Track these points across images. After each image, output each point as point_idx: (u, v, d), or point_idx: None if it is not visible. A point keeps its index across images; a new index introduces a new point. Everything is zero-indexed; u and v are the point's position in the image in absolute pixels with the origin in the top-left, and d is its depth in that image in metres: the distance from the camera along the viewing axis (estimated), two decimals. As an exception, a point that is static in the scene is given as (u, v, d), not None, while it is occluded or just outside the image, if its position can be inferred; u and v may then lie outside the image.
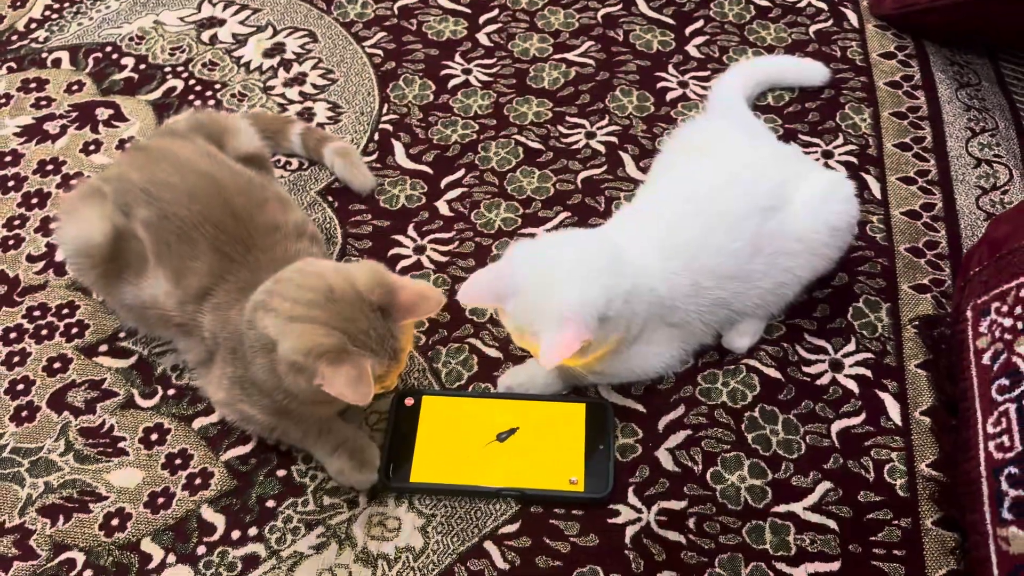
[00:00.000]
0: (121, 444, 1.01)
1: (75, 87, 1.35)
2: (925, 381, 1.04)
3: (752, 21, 1.44)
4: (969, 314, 0.93)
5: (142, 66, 1.37)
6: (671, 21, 1.44)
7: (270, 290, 0.90)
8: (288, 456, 1.00)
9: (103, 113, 1.31)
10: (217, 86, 1.35)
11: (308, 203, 1.21)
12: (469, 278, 0.94)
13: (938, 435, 0.98)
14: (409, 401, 1.02)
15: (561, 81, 1.36)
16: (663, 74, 1.36)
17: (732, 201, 0.99)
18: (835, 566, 0.92)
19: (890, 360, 1.06)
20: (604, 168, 1.25)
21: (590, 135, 1.29)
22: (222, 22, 1.43)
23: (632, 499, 0.96)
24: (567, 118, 1.31)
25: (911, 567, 0.91)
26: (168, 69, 1.37)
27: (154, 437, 1.02)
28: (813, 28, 1.43)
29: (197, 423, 1.03)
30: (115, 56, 1.39)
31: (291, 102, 1.33)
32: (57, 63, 1.38)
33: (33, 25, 1.44)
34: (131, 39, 1.41)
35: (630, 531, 0.94)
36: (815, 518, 0.95)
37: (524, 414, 1.01)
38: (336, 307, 0.86)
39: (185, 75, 1.36)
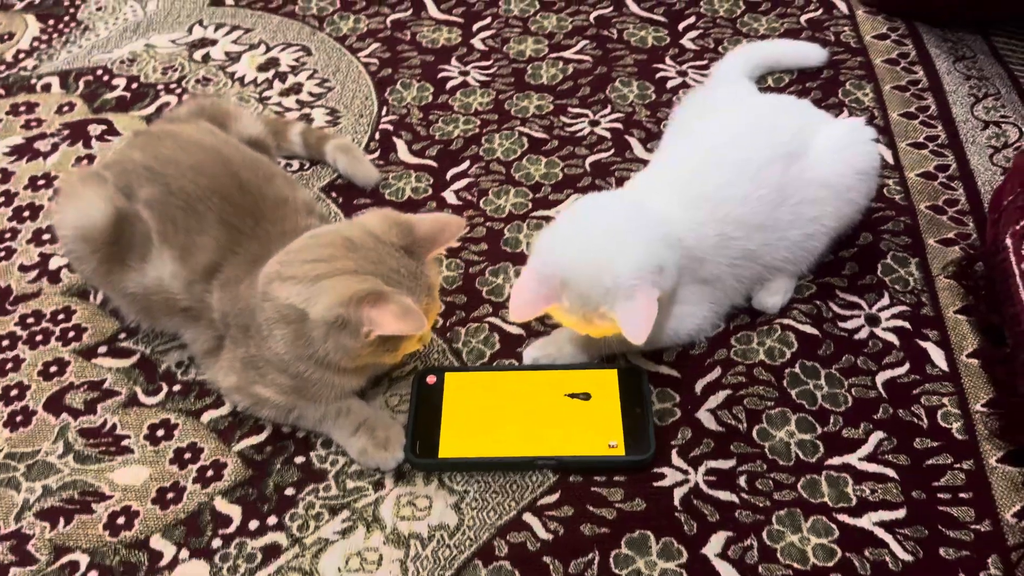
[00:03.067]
0: (125, 442, 0.94)
1: (66, 108, 1.32)
2: (967, 326, 1.00)
3: (743, 15, 1.45)
4: (1009, 241, 0.90)
5: (134, 85, 1.35)
6: (663, 19, 1.45)
7: (284, 260, 0.85)
8: (306, 442, 0.93)
9: (96, 129, 1.28)
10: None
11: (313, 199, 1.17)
12: (511, 296, 0.89)
13: (989, 370, 0.93)
14: (431, 379, 0.96)
15: (560, 77, 1.35)
16: (661, 65, 1.36)
17: (753, 148, 0.96)
18: (900, 513, 0.85)
19: (927, 311, 1.02)
20: (612, 152, 1.23)
21: (594, 123, 1.27)
22: (214, 42, 1.42)
23: (677, 461, 0.90)
24: (569, 109, 1.30)
25: (981, 508, 0.85)
26: (161, 87, 1.35)
27: (160, 433, 0.95)
28: (804, 17, 1.44)
29: (206, 416, 0.96)
30: (106, 78, 1.36)
31: (288, 110, 1.30)
32: (47, 88, 1.35)
33: (21, 55, 1.42)
34: (122, 62, 1.39)
35: (678, 493, 0.88)
36: (872, 468, 0.89)
37: (554, 383, 0.95)
38: (360, 254, 0.82)
39: (179, 91, 1.34)
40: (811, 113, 1.04)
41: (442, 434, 0.91)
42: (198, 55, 1.40)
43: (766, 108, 1.03)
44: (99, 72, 1.37)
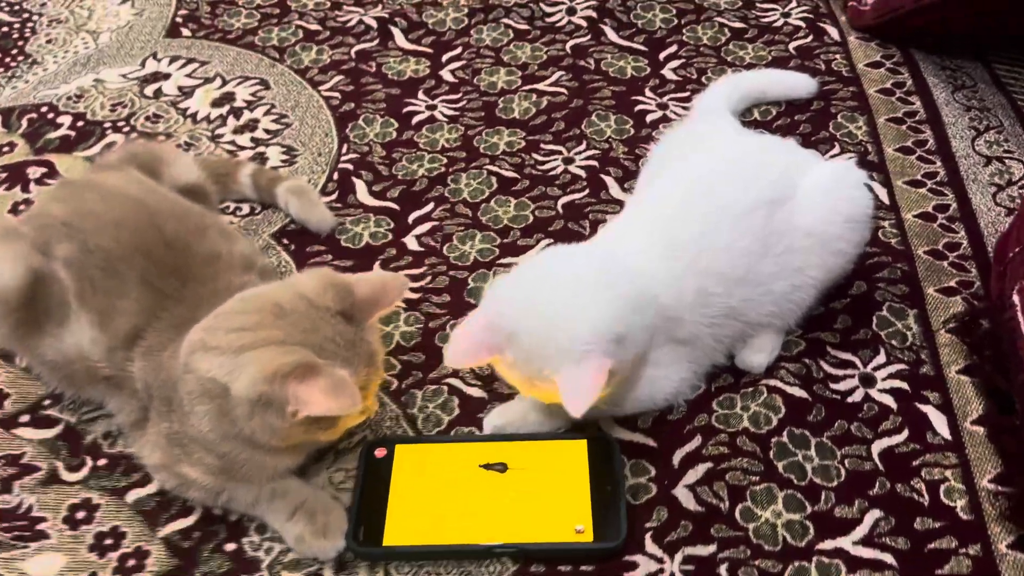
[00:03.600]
0: (41, 526, 0.85)
1: (6, 148, 1.23)
2: (971, 388, 0.91)
3: (728, 43, 1.37)
4: (1016, 298, 0.81)
5: (80, 123, 1.27)
6: (643, 48, 1.36)
7: (208, 327, 0.77)
8: (239, 526, 0.84)
9: (35, 172, 1.20)
10: (161, 138, 1.24)
11: (261, 247, 1.08)
12: (451, 337, 0.82)
13: (997, 440, 0.84)
14: (380, 452, 0.87)
15: (532, 111, 1.27)
16: (640, 97, 1.28)
17: (735, 194, 0.88)
18: (900, 608, 0.76)
19: (927, 369, 0.93)
20: (586, 192, 1.14)
21: (568, 160, 1.19)
22: (167, 76, 1.34)
23: (651, 547, 0.81)
24: (542, 145, 1.21)
25: (991, 602, 0.76)
26: (108, 125, 1.27)
27: (80, 515, 0.86)
28: (793, 45, 1.36)
29: (132, 495, 0.87)
30: (51, 115, 1.28)
31: (241, 148, 1.22)
32: (-12, 127, 1.27)
33: (-36, 92, 1.34)
34: (69, 98, 1.31)
35: (652, 585, 0.79)
36: (868, 553, 0.80)
37: (516, 455, 0.86)
38: (290, 320, 0.73)
39: (127, 129, 1.26)
40: (798, 153, 0.96)
41: (388, 518, 0.82)
42: (149, 90, 1.32)
43: (749, 148, 0.94)
44: (44, 109, 1.29)
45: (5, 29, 1.45)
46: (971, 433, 0.87)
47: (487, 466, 0.85)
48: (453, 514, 0.82)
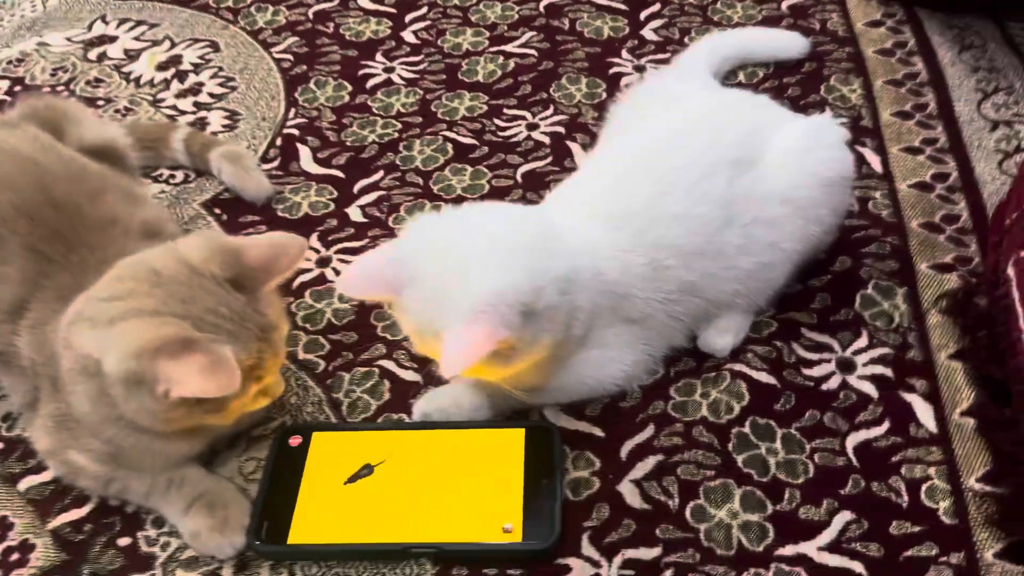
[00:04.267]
0: (-77, 516, 0.78)
1: (-61, 114, 1.16)
2: (962, 374, 0.80)
3: (715, 1, 1.26)
4: (1012, 272, 0.70)
5: (17, 88, 1.19)
6: (623, 7, 1.26)
7: (87, 297, 0.69)
8: (135, 520, 0.76)
9: (-36, 137, 1.12)
10: (100, 102, 1.16)
11: (191, 216, 1.00)
12: (352, 263, 0.73)
13: (988, 434, 0.74)
14: (295, 440, 0.79)
15: (498, 73, 1.17)
16: (616, 59, 1.18)
17: (691, 154, 0.78)
18: (868, 625, 0.67)
19: (914, 354, 0.83)
20: (549, 160, 1.05)
21: (532, 127, 1.09)
22: (113, 39, 1.26)
23: (588, 549, 0.72)
24: (505, 111, 1.12)
25: (973, 619, 0.66)
26: (47, 89, 1.19)
27: (-32, 504, 0.78)
28: (786, 3, 1.25)
29: (25, 483, 0.79)
30: (-13, 77, 1.21)
31: (183, 113, 1.14)
32: (-78, 91, 1.20)
33: (-99, 55, 1.27)
34: (10, 63, 1.24)
35: (585, 592, 0.70)
36: (834, 560, 0.70)
37: (445, 446, 0.77)
38: (167, 289, 0.65)
39: (65, 94, 1.18)
40: (770, 111, 0.86)
41: (296, 513, 0.74)
42: (93, 54, 1.24)
43: (712, 104, 0.85)
44: (-17, 73, 1.22)
45: (-47, -8, 1.38)
46: (959, 425, 0.77)
47: (353, 478, 0.76)
48: (368, 510, 0.74)
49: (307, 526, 0.73)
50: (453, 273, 0.69)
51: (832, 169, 0.80)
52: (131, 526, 0.76)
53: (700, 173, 0.77)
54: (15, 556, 0.74)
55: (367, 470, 0.75)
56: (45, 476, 0.79)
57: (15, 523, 0.77)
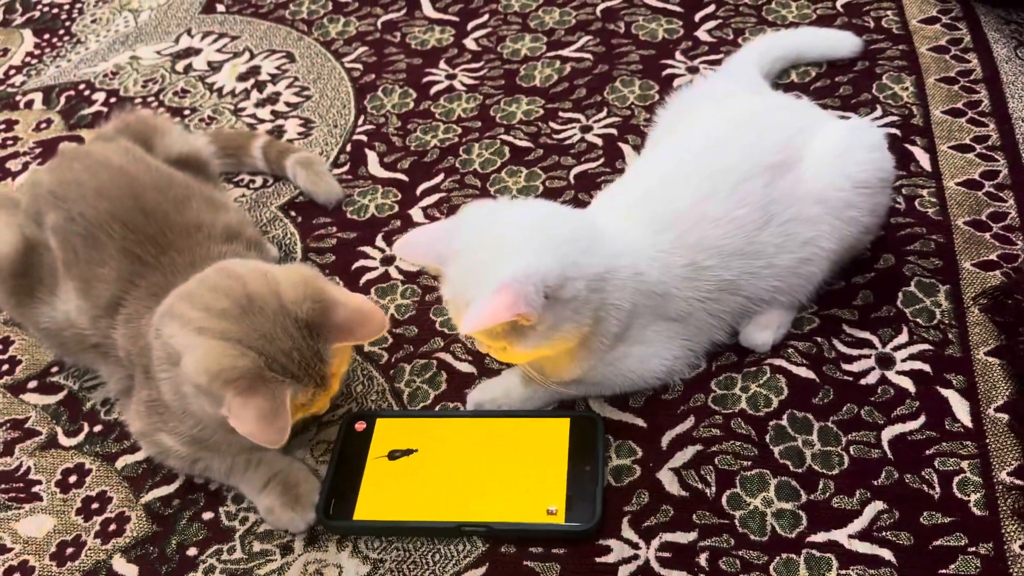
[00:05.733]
0: (36, 488, 0.87)
1: (43, 125, 1.28)
2: (999, 371, 0.82)
3: (770, 0, 1.28)
4: (1046, 271, 0.72)
5: (112, 100, 1.30)
6: (678, 8, 1.29)
7: (181, 294, 0.76)
8: (218, 496, 0.84)
9: (67, 147, 1.23)
10: (187, 112, 1.26)
11: (269, 219, 1.08)
12: (411, 230, 0.79)
13: (1020, 430, 0.76)
14: (360, 426, 0.86)
15: (554, 78, 1.22)
16: (670, 61, 1.21)
17: (732, 158, 0.82)
18: (894, 610, 0.70)
19: (953, 350, 0.85)
20: (601, 161, 1.09)
21: (586, 129, 1.14)
22: (198, 51, 1.36)
23: (627, 531, 0.77)
24: (560, 114, 1.16)
25: (998, 608, 0.69)
26: (139, 100, 1.29)
27: (73, 479, 0.88)
28: (841, 1, 1.26)
29: (121, 461, 0.88)
30: (87, 93, 1.32)
31: (261, 121, 1.22)
32: (30, 104, 1.32)
33: (12, 71, 1.39)
34: (106, 75, 1.34)
35: (624, 572, 0.74)
36: (864, 548, 0.73)
37: (495, 433, 0.83)
38: (253, 321, 0.72)
39: (155, 104, 1.28)
40: (811, 114, 0.89)
41: (362, 492, 0.81)
42: (180, 66, 1.34)
43: (754, 109, 0.88)
44: (81, 87, 1.33)
45: (55, 11, 1.50)
46: (994, 420, 0.79)
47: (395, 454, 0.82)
48: (426, 490, 0.80)
49: (370, 504, 0.79)
50: (493, 252, 0.74)
51: (868, 171, 0.82)
52: (214, 502, 0.84)
53: (741, 177, 0.80)
54: (112, 527, 0.83)
55: (410, 451, 0.82)
56: (139, 456, 0.88)
57: (113, 497, 0.86)
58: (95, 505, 0.85)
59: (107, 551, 0.82)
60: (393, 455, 0.82)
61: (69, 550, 0.82)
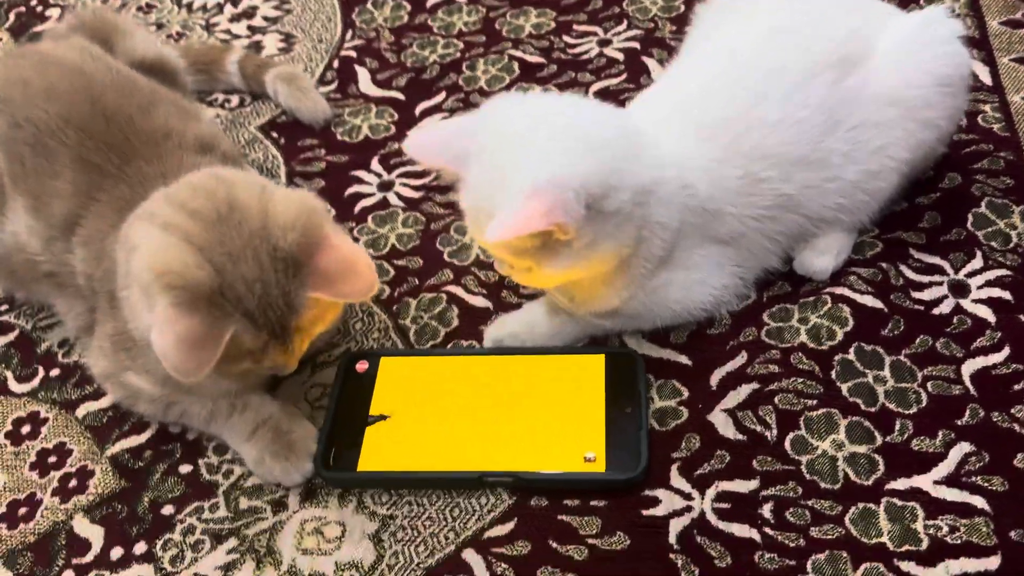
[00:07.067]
0: (-19, 441, 0.75)
1: (-10, 43, 1.13)
2: (1094, 296, 0.73)
3: (800, -90, 1.16)
4: None
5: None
6: (699, -83, 1.17)
7: (163, 193, 0.64)
8: (196, 446, 0.73)
9: (16, 65, 1.09)
10: (152, 28, 1.12)
11: (248, 140, 0.96)
12: (423, 125, 0.68)
13: None
14: (362, 366, 0.74)
15: (566, -11, 1.10)
16: (694, -30, 1.10)
17: (791, 54, 0.71)
18: (992, 563, 0.60)
19: (1035, 276, 0.75)
20: (624, 77, 0.97)
21: (604, 43, 1.02)
22: (166, -37, 1.22)
23: (677, 481, 0.66)
24: (575, 27, 1.04)
25: (1115, 560, 0.59)
26: (98, 15, 1.15)
27: (26, 429, 0.76)
28: (878, -91, 1.15)
29: (83, 409, 0.76)
30: (39, 8, 1.17)
31: (236, 37, 1.09)
32: (-25, 22, 1.17)
33: (-46, -14, 1.24)
34: (61, -10, 1.20)
35: (676, 525, 0.64)
36: (953, 495, 0.63)
37: (520, 373, 0.72)
38: (225, 232, 0.60)
39: (116, 20, 1.14)
40: (875, 5, 0.78)
41: (366, 440, 0.69)
42: (145, -22, 1.20)
43: (810, 1, 0.76)
44: (33, 2, 1.19)
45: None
46: (1091, 351, 0.69)
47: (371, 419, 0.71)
48: (441, 437, 0.69)
49: (377, 453, 0.68)
50: (523, 152, 0.63)
51: (948, 66, 0.72)
52: (192, 453, 0.72)
53: (801, 75, 0.70)
54: (73, 483, 0.72)
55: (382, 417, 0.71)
56: (103, 402, 0.76)
57: (73, 450, 0.74)
58: (52, 459, 0.73)
59: (67, 510, 0.70)
60: (370, 420, 0.71)
61: (22, 510, 0.70)
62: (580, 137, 0.63)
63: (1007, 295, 0.74)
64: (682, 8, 1.04)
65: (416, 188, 0.90)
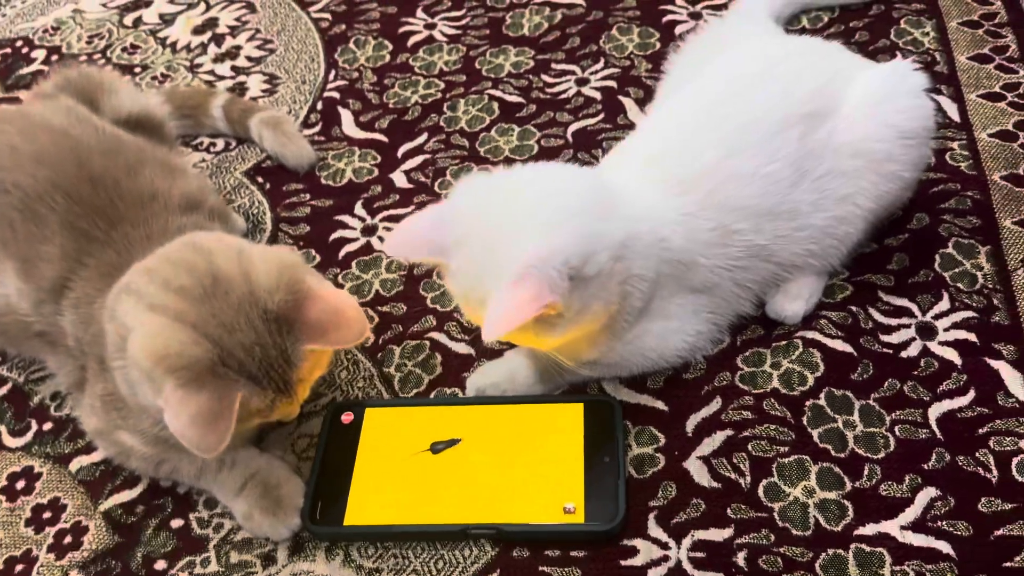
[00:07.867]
0: (-23, 497, 0.77)
1: (-24, 86, 1.15)
2: (1056, 339, 0.75)
3: (775, -58, 1.18)
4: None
5: (54, 58, 1.17)
6: (675, -50, 1.19)
7: (142, 266, 0.66)
8: (187, 501, 0.75)
9: (3, 110, 1.11)
10: (137, 69, 1.13)
11: (233, 186, 0.98)
12: (398, 225, 0.70)
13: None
14: (347, 417, 0.76)
15: (544, 26, 1.12)
16: (669, 6, 1.11)
17: (761, 108, 0.73)
18: (958, 609, 0.62)
19: (1000, 317, 0.77)
20: (600, 117, 0.99)
21: (582, 81, 1.04)
22: (149, 3, 1.23)
23: (654, 530, 0.68)
24: (553, 65, 1.06)
25: (1075, 605, 0.62)
26: (83, 58, 1.17)
27: (20, 485, 0.77)
28: (851, -59, 1.17)
29: (76, 463, 0.78)
30: (25, 50, 1.19)
31: (221, 78, 1.11)
32: (-40, 63, 1.18)
33: (-61, 27, 1.25)
34: (45, 31, 1.21)
35: (655, 575, 0.66)
36: (919, 540, 0.66)
37: (501, 422, 0.74)
38: (214, 305, 0.62)
39: (102, 62, 1.15)
40: (843, 59, 0.80)
41: (352, 493, 0.71)
42: (129, 19, 1.21)
43: (781, 53, 0.78)
44: (19, 43, 1.20)
45: (-13, -40, 1.36)
46: (1053, 394, 0.72)
47: (437, 446, 0.73)
48: (426, 490, 0.71)
49: (363, 506, 0.70)
50: (501, 234, 0.65)
51: (912, 119, 0.74)
52: (183, 507, 0.74)
53: (772, 129, 0.72)
54: (68, 539, 0.73)
55: (453, 442, 0.73)
56: (95, 457, 0.78)
57: (67, 505, 0.76)
58: (47, 514, 0.75)
59: (62, 567, 0.72)
60: (435, 448, 0.73)
61: (19, 567, 0.72)
62: (551, 209, 0.65)
63: (972, 337, 0.76)
64: (657, 46, 1.06)
65: (399, 233, 0.92)
